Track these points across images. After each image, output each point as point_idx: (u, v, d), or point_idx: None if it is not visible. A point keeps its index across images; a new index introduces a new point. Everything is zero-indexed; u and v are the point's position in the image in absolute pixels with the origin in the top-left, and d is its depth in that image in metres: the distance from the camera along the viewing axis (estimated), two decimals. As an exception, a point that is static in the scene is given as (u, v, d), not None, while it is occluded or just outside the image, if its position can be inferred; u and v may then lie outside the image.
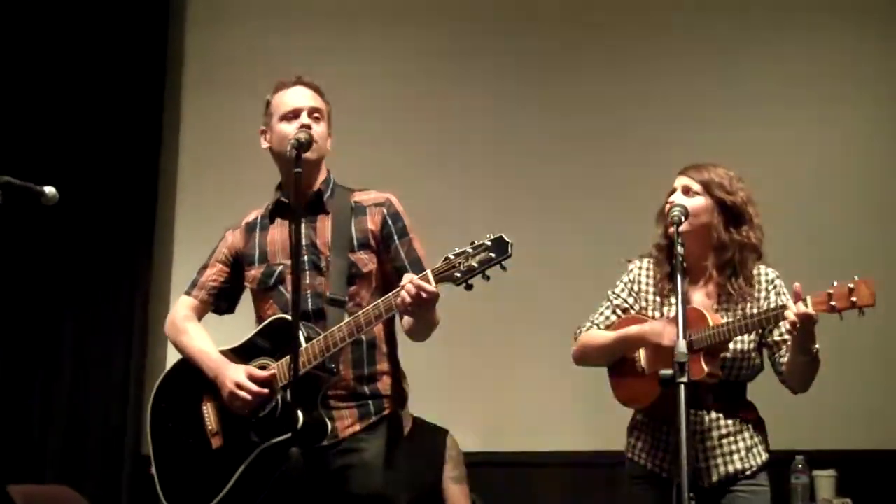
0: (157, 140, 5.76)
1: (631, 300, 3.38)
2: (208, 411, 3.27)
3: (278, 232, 3.32)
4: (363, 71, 5.72)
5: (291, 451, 2.87)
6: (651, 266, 3.38)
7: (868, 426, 5.19)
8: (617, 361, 3.34)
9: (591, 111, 5.69)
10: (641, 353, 3.28)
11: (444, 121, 5.72)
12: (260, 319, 3.31)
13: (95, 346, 5.52)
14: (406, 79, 5.78)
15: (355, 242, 3.25)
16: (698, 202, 3.25)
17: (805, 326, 2.99)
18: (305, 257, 3.21)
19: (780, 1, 5.74)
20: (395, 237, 3.26)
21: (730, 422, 3.25)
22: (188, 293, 3.44)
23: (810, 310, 2.96)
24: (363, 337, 3.14)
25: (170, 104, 5.84)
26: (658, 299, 3.34)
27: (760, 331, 3.21)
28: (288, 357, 3.08)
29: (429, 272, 2.97)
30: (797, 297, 2.99)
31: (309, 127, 3.21)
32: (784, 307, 3.03)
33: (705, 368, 3.10)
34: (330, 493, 3.13)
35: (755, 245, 3.27)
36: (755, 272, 3.28)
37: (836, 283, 2.97)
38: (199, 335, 3.36)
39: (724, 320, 3.17)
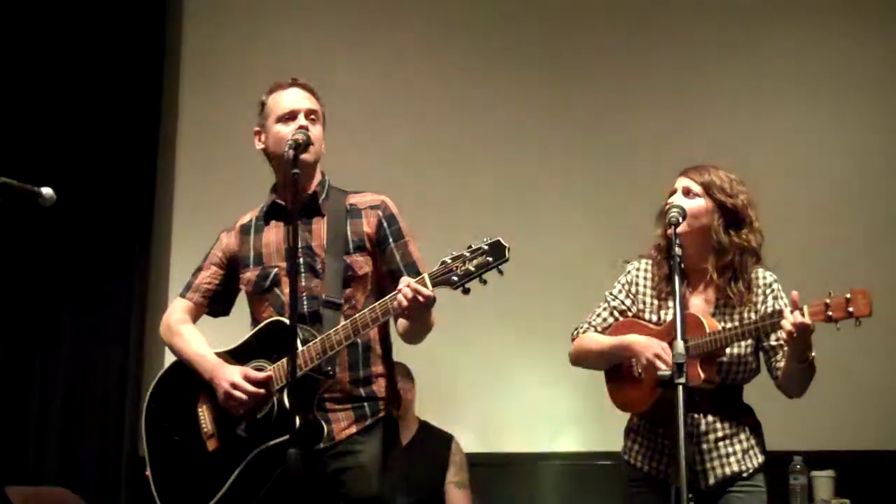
0: (155, 139, 5.76)
1: (628, 302, 3.37)
2: (204, 414, 3.27)
3: (273, 234, 3.31)
4: (362, 70, 5.72)
5: (289, 452, 2.85)
6: (649, 268, 3.37)
7: (866, 427, 5.20)
8: (613, 366, 3.33)
9: (591, 111, 5.70)
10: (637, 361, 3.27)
11: (442, 121, 5.72)
12: (255, 322, 3.31)
13: (93, 347, 5.52)
14: (405, 78, 5.78)
15: (351, 245, 3.24)
16: (698, 204, 3.24)
17: (801, 336, 2.99)
18: (301, 260, 3.21)
19: (785, 1, 5.75)
20: (391, 240, 3.25)
21: (726, 424, 3.24)
22: (183, 295, 3.44)
23: (807, 320, 2.96)
24: (359, 340, 3.13)
25: (167, 103, 5.84)
26: (656, 302, 3.33)
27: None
28: (284, 360, 3.09)
29: (426, 276, 2.96)
30: (794, 306, 2.99)
31: (306, 129, 3.20)
32: (781, 315, 3.02)
33: (702, 375, 3.10)
34: (326, 495, 3.13)
35: (755, 249, 3.25)
36: (753, 275, 3.26)
37: (832, 293, 2.96)
38: (194, 337, 3.35)
39: (721, 325, 3.17)
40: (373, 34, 5.82)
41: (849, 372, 4.99)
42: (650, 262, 3.37)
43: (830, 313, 2.94)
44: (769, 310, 3.20)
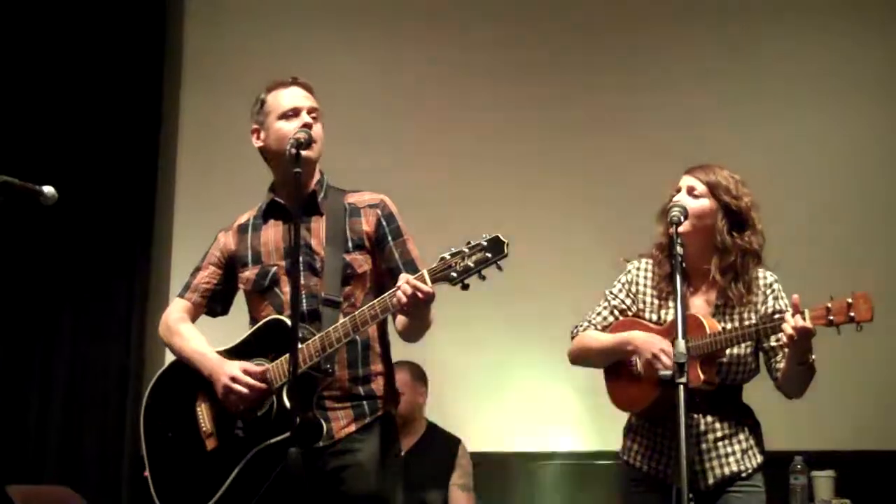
0: (156, 139, 5.77)
1: (629, 301, 3.36)
2: (203, 413, 3.26)
3: (272, 233, 3.31)
4: (361, 70, 5.73)
5: (290, 451, 2.85)
6: (649, 267, 3.36)
7: (867, 427, 5.20)
8: (613, 365, 3.33)
9: (591, 111, 5.70)
10: (638, 358, 3.27)
11: (440, 120, 5.73)
12: (254, 321, 3.31)
13: (93, 347, 5.53)
14: (404, 78, 5.78)
15: (350, 243, 3.25)
16: (703, 204, 3.23)
17: (803, 339, 2.99)
18: (300, 258, 3.20)
19: (785, 1, 5.75)
20: (390, 238, 3.25)
21: (725, 424, 3.24)
22: (181, 296, 3.43)
23: (808, 324, 2.96)
24: (357, 338, 3.13)
25: (168, 104, 5.84)
26: (656, 301, 3.32)
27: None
28: (282, 358, 3.09)
29: (425, 272, 2.97)
30: (795, 310, 2.99)
31: (310, 127, 3.21)
32: (782, 318, 3.02)
33: (702, 376, 3.10)
34: (325, 493, 3.12)
35: (756, 251, 3.25)
36: (754, 275, 3.26)
37: (833, 298, 2.96)
38: (193, 336, 3.35)
39: (722, 326, 3.17)
40: (372, 35, 5.83)
41: (849, 372, 4.98)
42: (651, 261, 3.36)
43: (832, 317, 2.94)
44: (769, 310, 3.20)
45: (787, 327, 2.98)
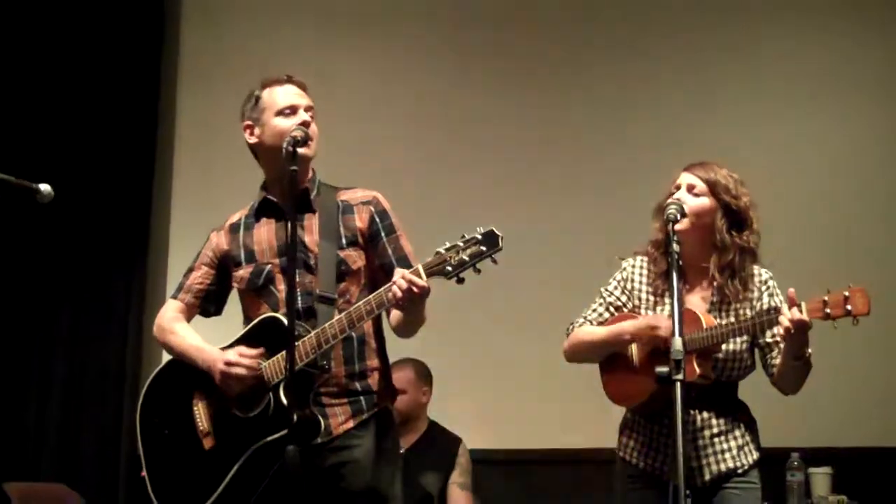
0: (153, 139, 5.76)
1: (624, 298, 3.37)
2: (199, 412, 3.26)
3: (265, 231, 3.31)
4: (360, 70, 5.73)
5: (288, 449, 2.85)
6: (644, 264, 3.37)
7: (863, 423, 5.20)
8: (608, 358, 3.33)
9: (591, 111, 5.70)
10: (634, 349, 3.27)
11: (437, 119, 5.72)
12: (248, 320, 3.30)
13: (91, 347, 5.52)
14: (401, 77, 5.78)
15: (344, 240, 3.25)
16: (702, 202, 3.23)
17: (799, 332, 2.99)
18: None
19: (785, 1, 5.75)
20: (383, 234, 3.26)
21: (721, 421, 3.24)
22: (175, 297, 3.43)
23: (805, 316, 2.96)
24: (353, 334, 3.14)
25: (165, 103, 5.84)
26: (652, 298, 3.32)
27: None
28: (278, 356, 3.09)
29: (419, 266, 2.97)
30: (791, 303, 2.99)
31: (307, 125, 3.21)
32: (778, 312, 3.02)
33: (697, 370, 3.09)
34: (324, 490, 3.12)
35: (753, 249, 3.26)
36: (749, 272, 3.26)
37: (830, 291, 2.96)
38: (188, 333, 3.35)
39: (718, 321, 3.17)
40: (371, 34, 5.82)
41: (846, 368, 4.99)
42: (646, 258, 3.37)
43: (828, 311, 2.94)
44: (765, 307, 3.20)
45: (784, 320, 2.98)
